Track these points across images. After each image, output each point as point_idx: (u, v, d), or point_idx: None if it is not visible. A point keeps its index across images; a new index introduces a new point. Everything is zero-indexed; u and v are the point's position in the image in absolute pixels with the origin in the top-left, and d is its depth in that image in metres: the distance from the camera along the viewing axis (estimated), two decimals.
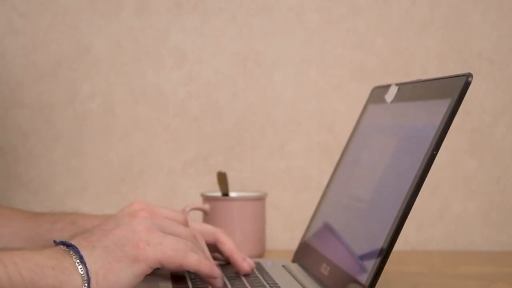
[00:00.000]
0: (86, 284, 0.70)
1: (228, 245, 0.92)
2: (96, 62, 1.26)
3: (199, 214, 1.14)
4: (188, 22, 1.27)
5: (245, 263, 0.91)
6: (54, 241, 0.73)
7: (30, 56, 1.26)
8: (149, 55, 1.27)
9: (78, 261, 0.70)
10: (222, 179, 1.13)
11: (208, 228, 0.94)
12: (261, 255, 1.13)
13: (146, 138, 1.27)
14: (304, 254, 0.97)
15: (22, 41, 1.25)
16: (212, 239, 0.92)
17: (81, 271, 0.70)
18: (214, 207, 1.11)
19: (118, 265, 0.71)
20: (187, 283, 0.83)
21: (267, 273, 0.91)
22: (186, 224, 0.80)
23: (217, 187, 1.16)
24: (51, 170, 1.26)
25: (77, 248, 0.71)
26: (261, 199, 1.13)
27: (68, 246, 0.71)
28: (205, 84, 1.27)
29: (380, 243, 0.72)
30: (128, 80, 1.27)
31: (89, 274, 0.70)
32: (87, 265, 0.70)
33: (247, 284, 0.84)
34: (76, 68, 1.26)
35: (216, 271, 0.76)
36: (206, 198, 1.13)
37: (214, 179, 1.20)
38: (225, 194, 1.14)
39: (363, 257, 0.75)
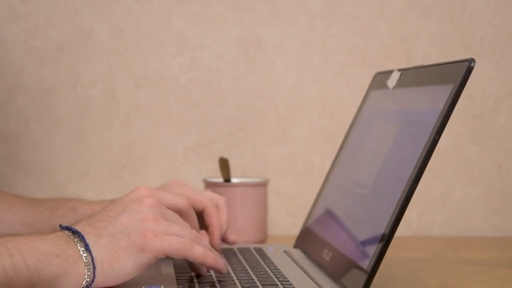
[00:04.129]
0: (88, 273, 0.70)
1: (220, 215, 0.92)
2: (98, 48, 1.26)
3: None
4: (190, 7, 1.26)
5: (232, 236, 0.94)
6: (60, 225, 0.73)
7: (31, 41, 1.25)
8: (150, 41, 1.26)
9: (83, 249, 0.70)
10: (224, 165, 1.13)
11: (212, 195, 0.95)
12: (263, 240, 1.13)
13: (147, 124, 1.27)
14: (306, 240, 0.97)
15: (23, 26, 1.25)
16: (214, 204, 0.93)
17: (85, 259, 0.70)
18: (216, 192, 1.10)
19: (125, 254, 0.71)
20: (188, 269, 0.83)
21: (269, 258, 0.91)
22: (189, 210, 0.81)
23: (219, 173, 1.16)
24: (52, 156, 1.26)
25: (82, 236, 0.71)
26: (263, 185, 1.13)
27: (74, 232, 0.72)
28: (206, 69, 1.27)
29: (381, 228, 0.72)
30: (129, 65, 1.26)
31: (94, 262, 0.70)
32: (93, 253, 0.70)
33: (249, 270, 0.84)
34: (77, 53, 1.26)
35: (220, 263, 0.76)
36: (208, 184, 1.13)
37: (216, 165, 1.20)
38: (227, 180, 1.14)
39: (364, 243, 0.76)
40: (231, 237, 0.95)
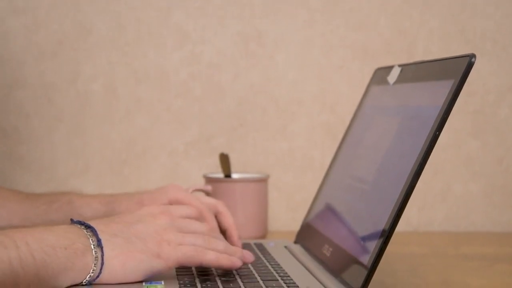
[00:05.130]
0: (94, 268, 0.70)
1: (228, 218, 0.93)
2: (98, 42, 1.26)
3: (202, 195, 1.14)
4: (190, 1, 1.26)
5: (239, 242, 0.93)
6: (72, 220, 0.73)
7: (32, 36, 1.25)
8: (151, 36, 1.26)
9: (94, 243, 0.70)
10: (224, 160, 1.13)
11: (209, 200, 0.96)
12: (263, 236, 1.13)
13: (148, 119, 1.27)
14: (306, 235, 0.97)
15: (24, 21, 1.25)
16: (213, 210, 0.94)
17: (95, 253, 0.70)
18: (216, 188, 1.11)
19: (140, 256, 0.72)
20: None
21: (269, 254, 0.91)
22: (201, 217, 0.83)
23: (219, 169, 1.16)
24: (53, 151, 1.26)
25: (95, 231, 0.71)
26: (263, 180, 1.13)
27: (87, 227, 0.72)
28: (207, 64, 1.27)
29: (382, 224, 0.72)
30: (130, 60, 1.26)
31: (104, 259, 0.70)
32: (104, 249, 0.70)
33: (249, 265, 0.84)
34: (77, 48, 1.26)
35: (237, 262, 0.77)
36: (209, 180, 1.13)
37: (216, 160, 1.20)
38: (228, 175, 1.14)
39: (365, 238, 0.76)
40: (237, 244, 0.93)
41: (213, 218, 0.92)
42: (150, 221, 0.76)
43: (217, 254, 0.76)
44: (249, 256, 0.79)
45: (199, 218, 0.85)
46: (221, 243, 0.78)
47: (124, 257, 0.71)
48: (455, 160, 1.27)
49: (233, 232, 0.93)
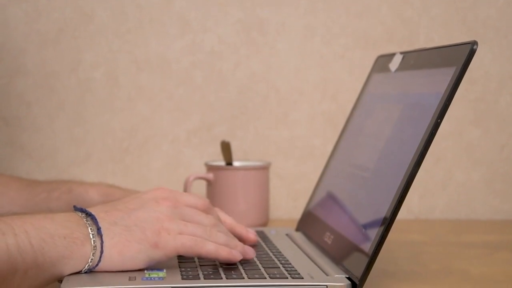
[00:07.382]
0: (93, 257, 0.70)
1: (228, 221, 0.92)
2: (99, 30, 1.26)
3: (203, 183, 1.14)
4: None
5: (250, 233, 0.92)
6: (74, 207, 0.73)
7: (33, 24, 1.25)
8: (152, 23, 1.26)
9: (93, 232, 0.71)
10: (225, 148, 1.13)
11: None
12: (264, 224, 1.13)
13: (149, 107, 1.27)
14: (308, 223, 0.97)
15: (25, 8, 1.25)
16: None
17: (94, 242, 0.70)
18: (218, 176, 1.11)
19: (137, 246, 0.72)
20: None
21: (270, 241, 0.91)
22: (209, 210, 0.81)
23: (220, 156, 1.16)
24: (54, 139, 1.26)
25: (96, 219, 0.71)
26: (264, 168, 1.14)
27: (88, 215, 0.72)
28: (208, 53, 1.26)
29: (383, 212, 0.72)
30: (131, 48, 1.26)
31: (103, 247, 0.70)
32: (103, 238, 0.71)
33: None
34: (79, 36, 1.26)
35: (236, 255, 0.76)
36: (210, 168, 1.13)
37: (217, 148, 1.20)
38: (229, 163, 1.14)
39: (366, 226, 0.76)
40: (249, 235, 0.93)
41: (217, 214, 0.91)
42: (152, 207, 0.75)
43: (216, 245, 0.75)
44: (250, 252, 0.79)
45: (205, 211, 0.84)
46: (222, 236, 0.77)
47: (122, 246, 0.71)
48: (456, 148, 1.27)
49: (239, 230, 0.91)
